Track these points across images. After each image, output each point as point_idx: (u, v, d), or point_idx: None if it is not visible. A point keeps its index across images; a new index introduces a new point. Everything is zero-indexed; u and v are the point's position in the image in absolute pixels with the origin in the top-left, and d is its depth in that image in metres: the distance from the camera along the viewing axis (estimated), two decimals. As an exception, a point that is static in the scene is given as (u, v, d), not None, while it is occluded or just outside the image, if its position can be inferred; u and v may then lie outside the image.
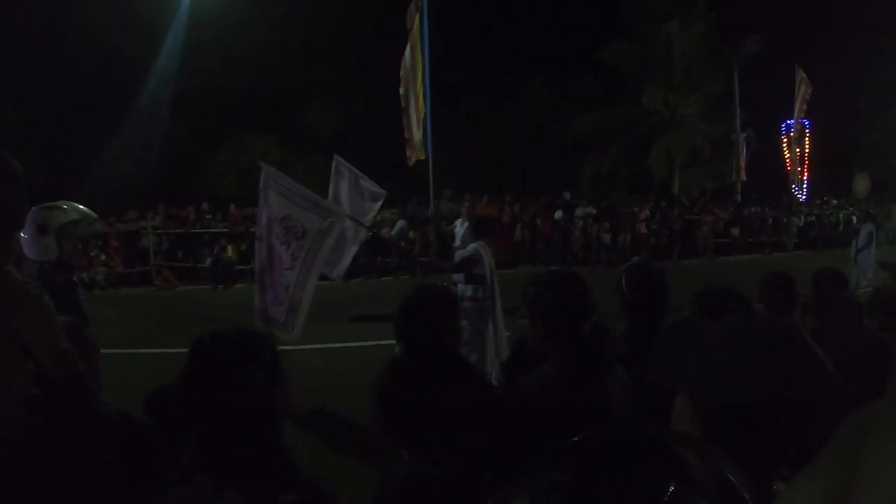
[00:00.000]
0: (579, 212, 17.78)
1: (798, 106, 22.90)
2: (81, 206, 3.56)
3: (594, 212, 17.98)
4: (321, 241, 5.30)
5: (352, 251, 7.12)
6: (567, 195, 17.99)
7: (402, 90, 14.84)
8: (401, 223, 16.15)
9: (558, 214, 17.11)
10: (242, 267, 14.55)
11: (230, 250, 15.23)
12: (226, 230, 15.85)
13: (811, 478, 0.63)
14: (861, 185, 14.54)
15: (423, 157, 14.91)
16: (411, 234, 16.21)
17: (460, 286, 6.27)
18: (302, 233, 5.24)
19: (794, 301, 3.27)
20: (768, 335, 1.04)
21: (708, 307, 2.22)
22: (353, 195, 6.78)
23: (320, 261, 5.42)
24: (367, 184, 6.90)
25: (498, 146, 25.58)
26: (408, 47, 14.56)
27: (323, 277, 6.11)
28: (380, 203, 7.14)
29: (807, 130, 27.05)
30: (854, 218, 26.16)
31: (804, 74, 22.53)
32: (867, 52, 32.40)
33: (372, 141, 21.29)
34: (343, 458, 4.50)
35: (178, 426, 1.60)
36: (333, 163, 7.01)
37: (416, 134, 14.81)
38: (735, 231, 20.21)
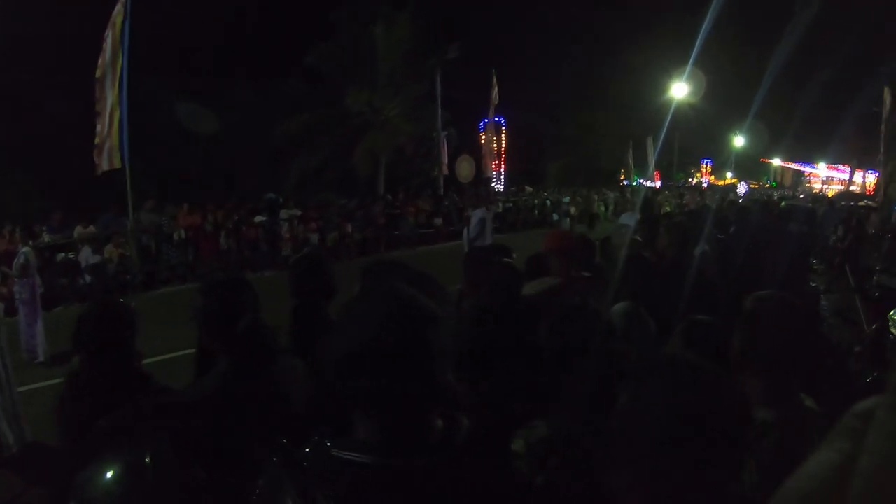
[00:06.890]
0: (284, 213, 17.72)
1: (490, 108, 25.95)
2: None
3: (299, 213, 18.13)
4: None
5: None
6: (271, 196, 17.89)
7: (97, 93, 13.72)
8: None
9: (258, 218, 17.10)
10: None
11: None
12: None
13: (823, 452, 0.70)
14: (465, 168, 15.54)
15: (119, 166, 13.98)
16: (108, 252, 15.00)
17: None
18: None
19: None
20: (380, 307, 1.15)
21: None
22: None
23: None
24: None
25: (202, 151, 24.65)
26: (107, 48, 13.43)
27: None
28: None
29: (503, 127, 30.70)
30: (548, 201, 30.44)
31: (496, 81, 25.46)
32: (557, 56, 37.62)
33: (62, 149, 19.35)
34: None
35: None
36: None
37: (112, 140, 13.75)
38: (438, 221, 22.08)
